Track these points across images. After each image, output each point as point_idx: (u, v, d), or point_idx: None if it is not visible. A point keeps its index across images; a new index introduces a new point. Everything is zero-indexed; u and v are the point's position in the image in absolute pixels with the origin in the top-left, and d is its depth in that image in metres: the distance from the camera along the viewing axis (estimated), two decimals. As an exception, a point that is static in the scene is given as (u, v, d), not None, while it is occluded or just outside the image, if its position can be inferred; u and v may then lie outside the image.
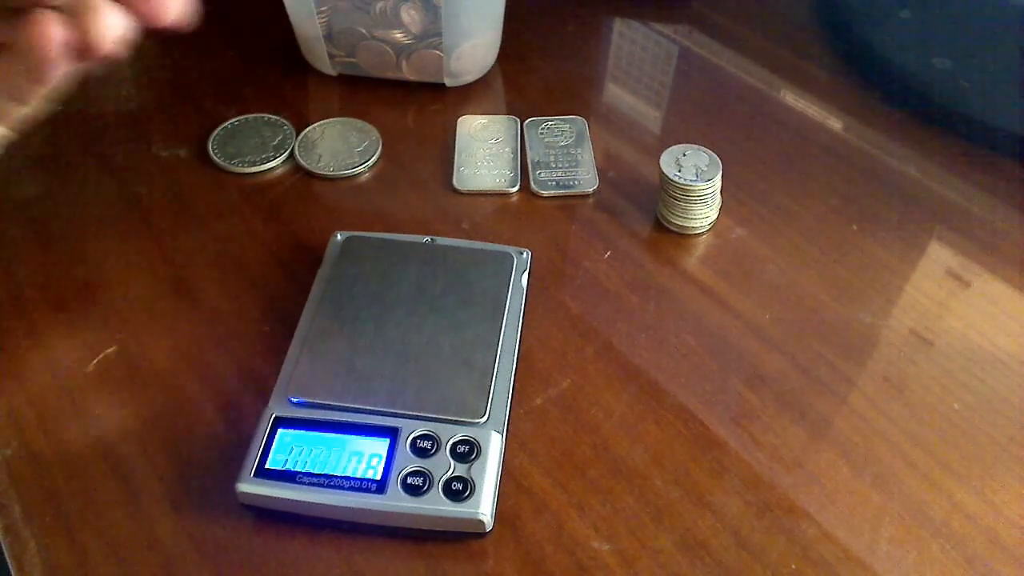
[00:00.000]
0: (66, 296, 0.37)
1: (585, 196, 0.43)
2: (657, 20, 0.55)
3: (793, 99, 0.50)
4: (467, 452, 0.30)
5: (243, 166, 0.44)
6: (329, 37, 0.47)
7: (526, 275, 0.37)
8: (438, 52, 0.46)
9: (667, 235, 0.41)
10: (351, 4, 0.45)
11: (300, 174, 0.44)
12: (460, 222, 0.41)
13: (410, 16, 0.45)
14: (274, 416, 0.31)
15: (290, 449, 0.30)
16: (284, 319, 0.36)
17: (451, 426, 0.31)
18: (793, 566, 0.29)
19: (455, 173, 0.44)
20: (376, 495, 0.29)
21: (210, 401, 0.34)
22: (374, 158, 0.44)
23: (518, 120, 0.47)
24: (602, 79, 0.51)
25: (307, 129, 0.46)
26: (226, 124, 0.46)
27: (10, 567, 0.29)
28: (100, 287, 0.38)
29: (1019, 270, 0.40)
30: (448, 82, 0.49)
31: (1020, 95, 0.47)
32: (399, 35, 0.46)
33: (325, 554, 0.29)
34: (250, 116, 0.47)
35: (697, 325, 0.37)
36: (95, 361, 0.35)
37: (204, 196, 0.42)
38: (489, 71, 0.51)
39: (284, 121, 0.46)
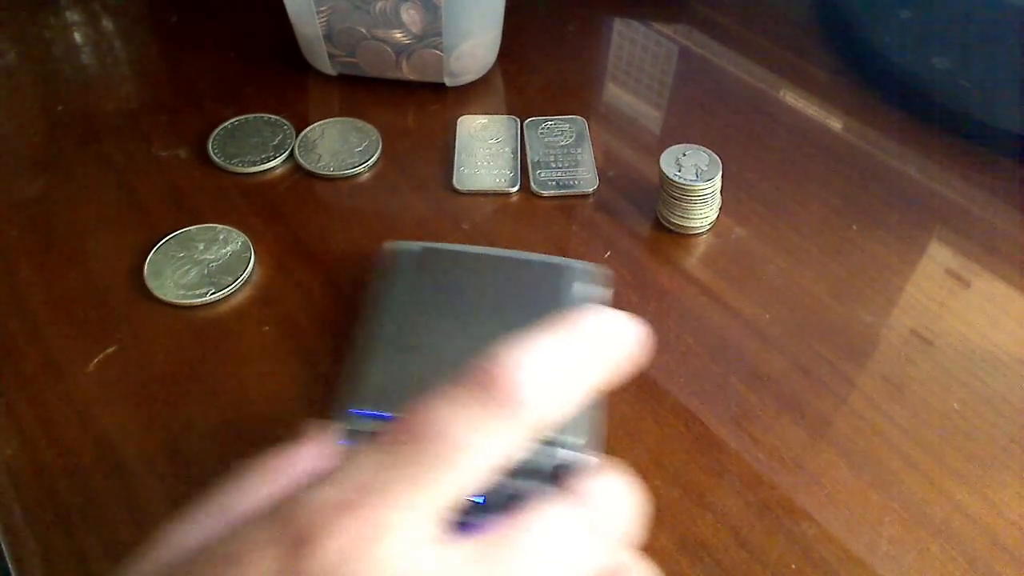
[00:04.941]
0: (66, 296, 0.37)
1: (585, 196, 0.43)
2: (657, 20, 0.55)
3: (793, 99, 0.50)
4: (544, 473, 0.28)
5: (243, 166, 0.44)
6: (329, 37, 0.47)
7: (595, 289, 0.35)
8: (438, 52, 0.46)
9: (667, 235, 0.41)
10: (351, 4, 0.45)
11: (300, 174, 0.44)
12: (460, 222, 0.41)
13: (410, 16, 0.45)
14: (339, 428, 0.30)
15: None
16: (282, 320, 0.36)
17: (546, 446, 0.29)
18: (793, 566, 0.29)
19: (455, 173, 0.44)
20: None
21: (210, 401, 0.34)
22: (374, 158, 0.44)
23: (518, 120, 0.47)
24: (602, 79, 0.51)
25: (307, 129, 0.46)
26: (226, 124, 0.46)
27: (10, 567, 0.29)
28: (100, 287, 0.38)
29: (1019, 270, 0.40)
30: (448, 82, 0.49)
31: (1020, 95, 0.47)
32: (399, 35, 0.46)
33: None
34: (250, 116, 0.47)
35: (697, 325, 0.37)
36: (95, 361, 0.35)
37: (204, 196, 0.42)
38: (489, 71, 0.51)
39: (284, 121, 0.46)
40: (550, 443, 0.29)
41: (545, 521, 0.19)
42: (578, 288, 0.35)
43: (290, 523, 0.17)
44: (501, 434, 0.18)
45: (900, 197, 0.44)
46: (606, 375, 0.20)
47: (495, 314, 0.33)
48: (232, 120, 0.46)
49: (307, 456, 0.22)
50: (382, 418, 0.30)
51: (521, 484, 0.27)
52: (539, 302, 0.34)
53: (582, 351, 0.19)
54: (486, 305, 0.34)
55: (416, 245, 0.36)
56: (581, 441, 0.29)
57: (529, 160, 0.45)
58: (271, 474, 0.21)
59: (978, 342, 0.37)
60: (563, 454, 0.29)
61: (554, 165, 0.44)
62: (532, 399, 0.18)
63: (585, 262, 0.36)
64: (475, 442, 0.17)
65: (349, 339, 0.35)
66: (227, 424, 0.33)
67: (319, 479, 0.17)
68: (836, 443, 0.33)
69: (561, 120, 0.47)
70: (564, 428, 0.29)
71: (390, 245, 0.37)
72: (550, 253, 0.40)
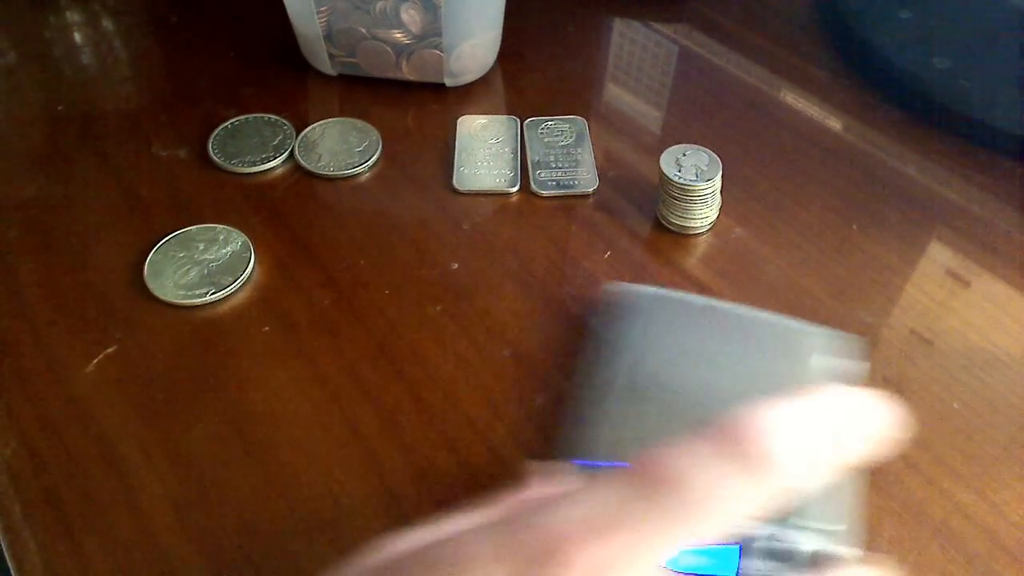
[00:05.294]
0: (66, 296, 0.37)
1: (585, 196, 0.43)
2: (657, 20, 0.55)
3: (793, 99, 0.50)
4: (801, 559, 0.27)
5: (243, 166, 0.44)
6: (329, 37, 0.47)
7: (836, 360, 0.33)
8: (438, 52, 0.46)
9: (667, 235, 0.41)
10: (351, 4, 0.45)
11: (300, 174, 0.44)
12: (460, 222, 0.41)
13: (410, 16, 0.45)
14: None
15: None
16: (282, 320, 0.36)
17: (803, 532, 0.27)
18: (793, 566, 0.29)
19: (455, 173, 0.44)
20: None
21: (210, 401, 0.34)
22: (374, 158, 0.44)
23: (518, 120, 0.47)
24: (602, 79, 0.51)
25: (307, 129, 0.46)
26: (226, 124, 0.46)
27: (10, 567, 0.29)
28: (100, 287, 0.38)
29: (1019, 270, 0.40)
30: (448, 82, 0.49)
31: (1020, 95, 0.47)
32: (399, 35, 0.46)
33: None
34: (250, 116, 0.47)
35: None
36: (95, 361, 0.35)
37: (204, 196, 0.42)
38: (489, 71, 0.51)
39: (284, 121, 0.46)
40: (808, 528, 0.27)
41: None
42: (816, 360, 0.32)
43: (527, 538, 0.16)
44: (745, 493, 0.17)
45: (900, 197, 0.44)
46: (857, 455, 0.19)
47: (730, 374, 0.31)
48: (232, 120, 0.46)
49: (534, 491, 0.21)
50: (614, 466, 0.28)
51: (776, 568, 0.26)
52: (777, 368, 0.32)
53: (834, 426, 0.18)
54: (721, 364, 0.32)
55: (648, 290, 0.35)
56: (840, 529, 0.28)
57: (529, 160, 0.45)
58: (497, 506, 0.20)
59: (978, 342, 0.37)
60: (821, 541, 0.27)
61: (554, 165, 0.44)
62: (780, 464, 0.17)
63: (828, 329, 0.34)
64: (718, 496, 0.17)
65: (572, 381, 0.33)
66: (227, 424, 0.33)
67: (554, 503, 0.17)
68: (836, 443, 0.33)
69: (561, 120, 0.47)
70: (823, 515, 0.28)
71: (620, 288, 0.35)
72: (550, 254, 0.40)
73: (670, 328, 0.33)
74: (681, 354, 0.32)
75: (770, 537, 0.27)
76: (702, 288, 0.39)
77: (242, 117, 0.46)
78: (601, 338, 0.34)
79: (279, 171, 0.44)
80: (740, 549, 0.27)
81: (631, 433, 0.30)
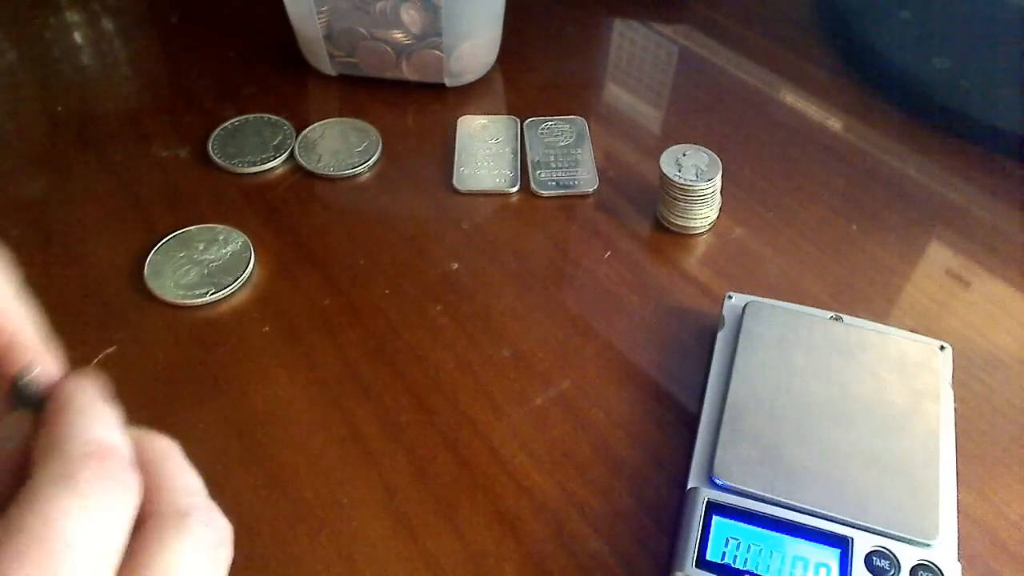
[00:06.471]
0: (66, 296, 0.37)
1: (585, 196, 0.43)
2: (657, 20, 0.55)
3: (793, 99, 0.50)
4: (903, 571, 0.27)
5: (243, 166, 0.44)
6: (329, 37, 0.47)
7: (950, 373, 0.33)
8: (438, 52, 0.46)
9: (667, 235, 0.41)
10: (351, 4, 0.45)
11: (300, 174, 0.44)
12: (460, 222, 0.41)
13: (410, 16, 0.45)
14: (707, 500, 0.28)
15: (726, 541, 0.27)
16: (282, 320, 0.36)
17: (908, 546, 0.27)
18: (793, 566, 0.29)
19: (455, 173, 0.44)
20: None
21: (210, 401, 0.34)
22: (374, 158, 0.44)
23: (518, 120, 0.47)
24: (602, 79, 0.51)
25: (307, 129, 0.46)
26: (226, 124, 0.46)
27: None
28: (100, 287, 0.38)
29: (1019, 270, 0.40)
30: (448, 82, 0.49)
31: (1020, 95, 0.47)
32: (399, 35, 0.46)
33: None
34: (250, 116, 0.47)
35: (697, 325, 0.37)
36: (95, 361, 0.35)
37: (204, 196, 0.42)
38: (489, 71, 0.51)
39: (284, 121, 0.46)
40: (905, 540, 0.27)
41: None
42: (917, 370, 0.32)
43: None
44: None
45: (900, 197, 0.44)
46: None
47: (854, 395, 0.31)
48: (232, 120, 0.46)
49: None
50: (752, 496, 0.28)
51: None
52: (902, 387, 0.31)
53: None
54: (843, 384, 0.31)
55: (772, 304, 0.34)
56: (932, 542, 0.27)
57: (529, 160, 0.45)
58: None
59: (978, 342, 0.37)
60: (923, 554, 0.27)
61: (554, 165, 0.44)
62: None
63: (943, 342, 0.33)
64: None
65: (700, 399, 0.33)
66: (227, 424, 0.33)
67: None
68: (836, 443, 0.33)
69: (561, 120, 0.47)
70: (915, 525, 0.28)
71: (748, 302, 0.34)
72: (550, 254, 0.40)
73: (799, 349, 0.33)
74: (813, 378, 0.32)
75: (870, 547, 0.27)
76: (702, 288, 0.39)
77: (242, 117, 0.46)
78: (726, 355, 0.33)
79: (279, 171, 0.44)
80: (842, 554, 0.27)
81: (766, 459, 0.29)
